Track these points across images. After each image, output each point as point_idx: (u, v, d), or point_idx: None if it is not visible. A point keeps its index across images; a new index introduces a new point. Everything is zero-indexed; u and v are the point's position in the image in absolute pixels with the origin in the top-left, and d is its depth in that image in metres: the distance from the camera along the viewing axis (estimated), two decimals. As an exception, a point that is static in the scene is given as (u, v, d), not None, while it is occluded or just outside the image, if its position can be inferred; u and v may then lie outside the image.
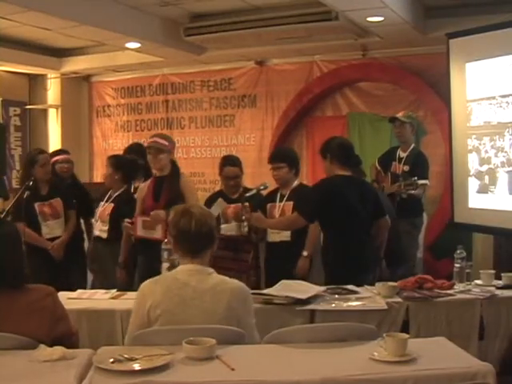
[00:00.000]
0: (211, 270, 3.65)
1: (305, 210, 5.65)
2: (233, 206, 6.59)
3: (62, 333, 3.29)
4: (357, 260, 5.44)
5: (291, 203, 6.35)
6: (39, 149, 7.49)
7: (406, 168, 7.45)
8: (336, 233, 5.56)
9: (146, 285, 3.59)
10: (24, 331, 3.19)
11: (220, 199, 6.51)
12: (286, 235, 6.33)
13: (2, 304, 3.24)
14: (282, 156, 6.59)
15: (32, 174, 6.74)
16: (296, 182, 6.51)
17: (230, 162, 6.90)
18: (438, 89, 8.87)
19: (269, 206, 6.46)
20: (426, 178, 7.43)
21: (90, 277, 7.15)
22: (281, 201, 6.43)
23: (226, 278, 3.67)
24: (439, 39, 8.05)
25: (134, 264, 6.56)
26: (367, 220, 5.66)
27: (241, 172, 6.78)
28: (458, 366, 3.01)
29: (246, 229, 6.41)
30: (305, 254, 6.24)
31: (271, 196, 6.56)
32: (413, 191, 7.11)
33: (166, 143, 6.38)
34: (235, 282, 3.67)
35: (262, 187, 6.38)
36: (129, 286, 6.12)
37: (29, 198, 6.65)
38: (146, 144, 6.52)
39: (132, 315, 3.56)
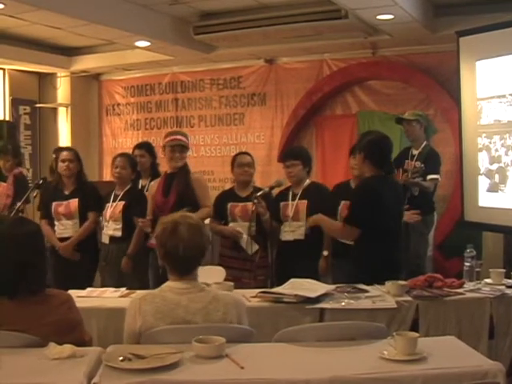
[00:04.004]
0: (200, 284, 3.54)
1: (357, 221, 5.31)
2: (241, 204, 6.57)
3: (74, 341, 3.23)
4: (392, 261, 5.30)
5: (305, 202, 6.35)
6: (69, 147, 7.67)
7: (418, 164, 7.43)
8: (372, 234, 5.28)
9: (136, 302, 3.46)
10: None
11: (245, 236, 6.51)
12: (300, 234, 6.33)
13: (16, 311, 3.23)
14: (297, 153, 6.63)
15: (57, 170, 6.89)
16: (308, 181, 6.52)
17: (242, 152, 7.04)
18: (448, 87, 8.86)
19: (282, 204, 6.45)
20: (436, 173, 7.41)
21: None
22: (293, 199, 6.42)
23: (219, 294, 3.59)
24: (449, 37, 8.04)
25: (146, 261, 6.58)
26: (400, 222, 5.59)
27: (253, 163, 6.74)
28: (468, 365, 3.00)
29: (254, 228, 6.41)
30: (325, 253, 6.24)
31: (283, 195, 6.55)
32: (419, 178, 7.11)
33: (187, 141, 6.56)
34: (228, 297, 3.61)
35: (274, 184, 6.38)
36: (142, 284, 6.11)
37: (50, 195, 6.82)
38: (165, 142, 6.49)
39: (125, 325, 3.48)
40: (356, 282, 5.13)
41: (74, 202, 6.76)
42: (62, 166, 6.76)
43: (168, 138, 6.49)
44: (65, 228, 6.74)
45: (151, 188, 6.60)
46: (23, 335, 3.17)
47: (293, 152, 6.84)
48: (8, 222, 3.58)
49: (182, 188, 6.30)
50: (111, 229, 6.71)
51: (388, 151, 5.55)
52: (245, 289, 5.15)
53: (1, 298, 3.24)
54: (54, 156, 7.75)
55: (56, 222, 6.75)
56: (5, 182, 8.44)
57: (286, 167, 6.50)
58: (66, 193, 6.81)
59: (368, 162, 5.40)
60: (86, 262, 6.73)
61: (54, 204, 6.77)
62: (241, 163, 6.67)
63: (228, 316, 3.44)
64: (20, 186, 8.26)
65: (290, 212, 6.38)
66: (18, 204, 6.92)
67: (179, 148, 6.41)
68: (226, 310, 3.45)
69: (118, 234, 6.68)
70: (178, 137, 6.52)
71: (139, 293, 4.05)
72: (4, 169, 8.60)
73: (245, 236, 6.42)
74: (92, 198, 6.86)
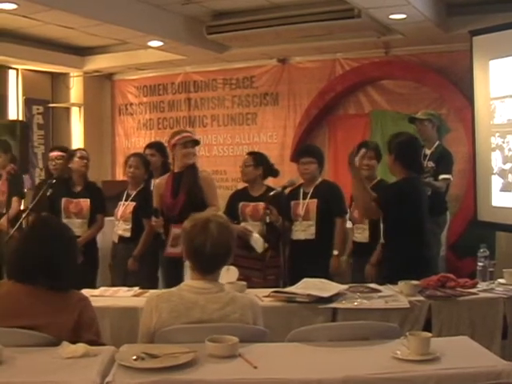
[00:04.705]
0: (221, 285, 3.55)
1: (382, 205, 5.41)
2: (252, 204, 6.58)
3: (88, 342, 3.25)
4: (420, 260, 5.37)
5: (315, 200, 6.38)
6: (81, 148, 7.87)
7: (430, 164, 7.39)
8: (411, 234, 5.36)
9: (153, 299, 3.46)
10: (48, 333, 3.22)
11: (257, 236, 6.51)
12: (310, 233, 6.35)
13: (37, 304, 3.28)
14: (313, 151, 6.69)
15: (69, 167, 6.95)
16: (319, 179, 6.55)
17: (247, 152, 7.11)
18: (461, 86, 8.83)
19: (292, 203, 6.47)
20: (448, 172, 7.36)
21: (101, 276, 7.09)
22: (304, 198, 6.44)
23: (237, 295, 3.60)
24: (462, 36, 8.02)
25: (156, 260, 6.58)
26: (426, 221, 5.61)
27: (254, 162, 6.69)
28: (481, 366, 2.99)
29: (265, 227, 6.41)
30: (335, 252, 6.26)
31: (293, 193, 6.54)
32: (430, 178, 7.08)
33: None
34: (245, 298, 3.62)
35: (287, 184, 6.37)
36: (150, 284, 6.11)
37: (59, 192, 6.84)
38: (176, 141, 6.47)
39: (141, 322, 3.50)
40: (383, 281, 5.18)
41: (85, 202, 6.85)
42: (80, 162, 6.89)
43: (178, 136, 6.46)
44: (73, 226, 6.75)
45: (158, 186, 6.57)
46: (37, 333, 3.19)
47: (309, 149, 6.90)
48: (39, 220, 3.74)
49: (190, 187, 6.29)
50: (121, 228, 6.76)
51: (418, 152, 5.73)
52: (254, 288, 5.15)
53: (21, 288, 3.32)
54: (51, 154, 7.73)
55: (64, 220, 6.75)
56: None
57: (301, 164, 6.51)
58: (75, 191, 6.89)
59: (399, 163, 5.47)
60: (88, 265, 6.73)
61: (63, 200, 6.84)
62: (242, 164, 6.74)
63: (244, 318, 3.44)
64: (13, 183, 8.27)
65: (301, 211, 6.40)
66: (31, 204, 6.95)
67: (191, 143, 6.42)
68: (243, 312, 3.45)
69: (127, 234, 6.72)
70: (188, 134, 6.61)
71: (155, 291, 4.05)
72: None
73: (255, 234, 6.42)
74: (100, 200, 6.99)
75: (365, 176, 6.25)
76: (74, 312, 3.34)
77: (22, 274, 3.36)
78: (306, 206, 6.40)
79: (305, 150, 6.98)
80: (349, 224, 6.60)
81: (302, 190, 6.51)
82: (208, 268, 3.51)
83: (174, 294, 3.47)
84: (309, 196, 6.43)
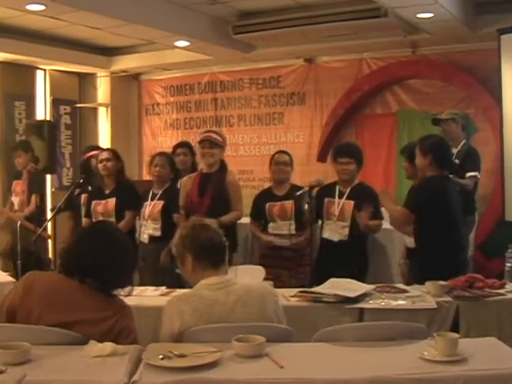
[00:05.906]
0: (233, 280, 3.64)
1: (412, 206, 5.48)
2: (279, 204, 6.57)
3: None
4: (459, 264, 5.44)
5: (352, 202, 6.20)
6: (104, 147, 8.16)
7: (457, 161, 7.35)
8: (444, 236, 5.39)
9: (174, 304, 3.50)
10: (84, 333, 3.25)
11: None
12: (344, 234, 6.20)
13: (85, 300, 3.35)
14: (352, 152, 6.44)
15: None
16: (356, 181, 6.41)
17: (281, 151, 7.02)
18: (488, 86, 8.77)
19: (326, 200, 6.32)
20: (475, 170, 7.30)
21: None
22: (340, 197, 6.28)
23: (252, 285, 3.67)
24: (490, 35, 7.98)
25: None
26: (460, 219, 5.65)
27: (291, 162, 6.74)
28: (509, 367, 2.97)
29: (293, 226, 6.40)
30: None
31: (328, 190, 6.38)
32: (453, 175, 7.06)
33: (220, 139, 6.57)
34: (261, 286, 3.70)
35: (315, 183, 6.28)
36: (180, 281, 6.10)
37: (93, 196, 7.05)
38: (199, 138, 6.55)
39: (162, 327, 3.51)
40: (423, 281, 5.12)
41: (111, 201, 6.88)
42: (100, 166, 6.91)
43: (202, 135, 6.55)
44: None
45: (185, 184, 6.62)
46: (65, 332, 3.21)
47: (348, 149, 6.56)
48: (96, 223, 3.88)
49: (216, 191, 6.36)
50: (150, 228, 6.74)
51: (450, 152, 5.85)
52: (285, 287, 5.16)
53: (72, 282, 3.39)
54: (84, 156, 7.87)
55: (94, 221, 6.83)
56: (20, 179, 8.57)
57: (339, 164, 6.34)
58: (106, 192, 6.93)
59: (433, 163, 5.50)
60: None
61: (93, 203, 6.89)
62: (277, 161, 6.71)
63: (264, 303, 3.51)
64: (33, 181, 8.40)
65: (336, 210, 6.25)
66: (60, 202, 7.03)
67: (208, 144, 6.44)
68: (262, 297, 3.54)
69: (158, 233, 6.72)
70: (210, 133, 6.64)
71: (175, 294, 4.08)
72: (18, 164, 8.66)
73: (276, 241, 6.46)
74: (129, 197, 6.94)
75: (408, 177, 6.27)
76: (113, 317, 3.37)
77: (72, 270, 3.43)
78: (341, 205, 6.25)
79: (343, 149, 6.63)
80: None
81: (338, 189, 6.36)
82: (219, 259, 3.64)
83: (193, 295, 3.52)
84: (345, 196, 6.27)
